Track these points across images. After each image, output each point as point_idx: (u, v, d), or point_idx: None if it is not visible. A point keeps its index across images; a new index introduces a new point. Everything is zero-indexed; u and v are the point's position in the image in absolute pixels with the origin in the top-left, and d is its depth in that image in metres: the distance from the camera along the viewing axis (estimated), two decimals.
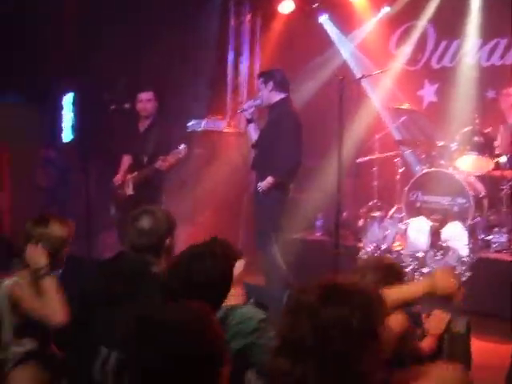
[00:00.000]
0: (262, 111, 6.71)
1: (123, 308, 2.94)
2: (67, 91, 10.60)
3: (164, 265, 3.38)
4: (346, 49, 8.93)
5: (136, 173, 6.79)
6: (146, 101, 6.85)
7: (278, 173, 5.98)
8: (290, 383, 1.86)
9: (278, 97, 6.16)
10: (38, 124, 10.51)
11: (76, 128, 10.62)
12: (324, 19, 9.11)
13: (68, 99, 10.68)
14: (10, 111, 10.05)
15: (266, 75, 6.32)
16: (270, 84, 6.14)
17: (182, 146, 6.39)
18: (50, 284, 3.38)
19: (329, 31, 9.06)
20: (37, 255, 3.46)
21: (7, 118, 9.93)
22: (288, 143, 6.03)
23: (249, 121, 6.42)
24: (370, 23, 8.74)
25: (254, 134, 6.39)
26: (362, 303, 1.90)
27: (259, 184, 6.03)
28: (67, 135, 10.80)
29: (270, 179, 5.95)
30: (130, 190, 6.80)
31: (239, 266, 3.16)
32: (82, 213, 9.46)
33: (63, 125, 10.80)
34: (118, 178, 6.96)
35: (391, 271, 3.08)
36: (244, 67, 9.75)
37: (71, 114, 10.68)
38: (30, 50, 9.37)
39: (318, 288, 1.94)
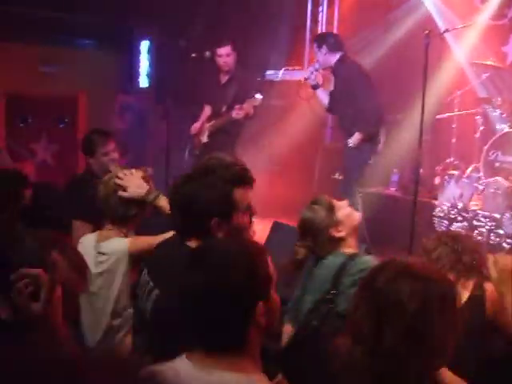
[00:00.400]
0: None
1: None
2: (144, 38, 10.69)
3: None
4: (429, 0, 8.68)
5: (213, 121, 6.90)
6: (225, 55, 6.89)
7: (363, 126, 6.19)
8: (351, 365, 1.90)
9: (334, 58, 6.42)
10: (114, 70, 10.70)
11: (151, 75, 10.75)
12: None
13: (144, 46, 10.79)
14: (88, 58, 10.25)
15: (318, 40, 6.57)
16: (324, 48, 6.41)
17: (258, 95, 6.45)
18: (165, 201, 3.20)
19: None
20: (137, 180, 3.39)
21: (85, 65, 10.14)
22: (364, 96, 6.27)
23: (314, 87, 6.62)
24: None
25: (324, 98, 6.61)
26: (424, 292, 1.87)
27: (349, 140, 6.23)
28: (144, 81, 10.94)
29: (357, 135, 6.18)
30: (204, 138, 6.92)
31: (355, 216, 3.30)
32: (158, 157, 9.72)
33: (140, 71, 10.93)
34: (195, 127, 7.07)
35: (466, 249, 2.99)
36: (323, 17, 9.63)
37: (147, 62, 10.80)
38: None
39: (388, 271, 1.94)
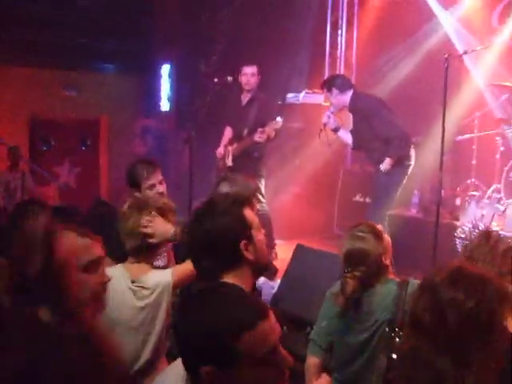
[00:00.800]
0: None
1: None
2: (165, 62, 10.84)
3: None
4: (447, 22, 8.77)
5: (236, 145, 6.98)
6: (250, 75, 6.97)
7: (392, 152, 6.23)
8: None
9: (347, 96, 6.45)
10: (136, 94, 10.86)
11: (172, 98, 10.88)
12: None
13: (165, 70, 10.94)
14: (110, 82, 10.42)
15: (326, 85, 6.59)
16: (334, 90, 6.46)
17: (279, 118, 6.54)
18: None
19: (430, 3, 8.90)
20: (162, 224, 3.30)
21: (107, 89, 10.31)
22: (387, 125, 6.29)
23: (335, 130, 6.56)
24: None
25: (347, 138, 6.60)
26: (481, 291, 1.94)
27: (380, 166, 6.24)
28: (165, 104, 11.07)
29: (388, 160, 6.21)
30: (229, 162, 7.00)
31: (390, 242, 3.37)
32: (178, 180, 9.80)
33: (161, 94, 11.07)
34: (220, 151, 7.15)
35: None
36: (342, 41, 9.74)
37: (168, 85, 10.94)
38: (129, 21, 9.64)
39: (446, 270, 2.03)
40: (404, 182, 6.41)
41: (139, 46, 10.03)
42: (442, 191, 7.16)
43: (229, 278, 2.38)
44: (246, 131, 6.97)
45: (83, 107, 10.20)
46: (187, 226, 2.61)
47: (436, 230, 5.47)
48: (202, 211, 2.53)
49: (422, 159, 7.27)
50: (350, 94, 6.47)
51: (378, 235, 3.27)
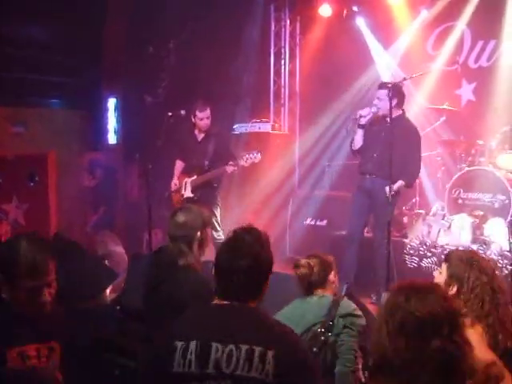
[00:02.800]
0: None
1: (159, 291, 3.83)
2: (111, 95, 10.89)
3: (197, 254, 3.97)
4: (380, 55, 9.28)
5: (196, 176, 7.17)
6: (205, 118, 7.23)
7: (410, 178, 6.58)
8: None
9: (397, 112, 6.45)
10: (83, 128, 10.86)
11: (119, 132, 10.93)
12: (360, 23, 9.40)
13: (111, 103, 10.99)
14: (56, 117, 10.42)
15: (394, 90, 6.28)
16: (395, 100, 6.36)
17: (257, 153, 6.80)
18: None
19: (365, 36, 9.36)
20: None
21: (54, 124, 10.30)
22: (417, 155, 6.65)
23: (361, 126, 6.66)
24: (409, 27, 8.98)
25: (360, 139, 6.74)
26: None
27: (388, 188, 6.10)
28: (112, 138, 11.11)
29: (400, 182, 6.41)
30: (188, 193, 7.17)
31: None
32: (128, 211, 9.86)
33: (108, 128, 11.10)
34: (175, 183, 7.32)
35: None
36: (285, 70, 10.05)
37: (114, 119, 10.99)
38: (74, 55, 9.69)
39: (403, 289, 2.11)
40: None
41: (85, 81, 10.07)
42: None
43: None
44: (206, 163, 7.18)
45: (30, 143, 10.16)
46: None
47: (388, 247, 5.72)
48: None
49: None
50: (400, 112, 6.58)
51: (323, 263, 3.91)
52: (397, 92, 6.40)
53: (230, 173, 7.01)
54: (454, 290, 3.10)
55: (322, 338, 3.58)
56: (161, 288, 3.89)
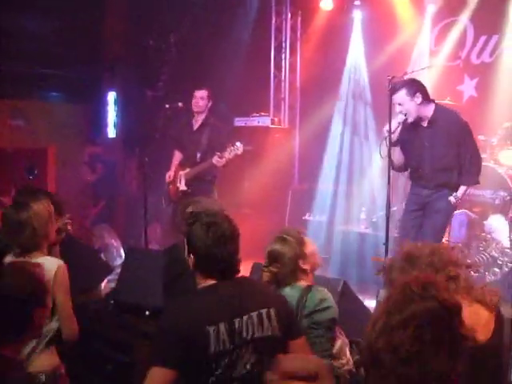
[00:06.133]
0: None
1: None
2: (110, 89, 10.86)
3: None
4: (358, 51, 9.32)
5: (188, 169, 7.10)
6: (199, 98, 7.17)
7: (472, 179, 5.68)
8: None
9: (430, 107, 5.59)
10: (83, 122, 10.84)
11: (119, 125, 10.90)
12: (357, 16, 9.42)
13: (111, 97, 10.95)
14: (56, 110, 10.39)
15: (409, 87, 5.54)
16: (418, 96, 5.50)
17: (239, 144, 6.70)
18: None
19: (353, 30, 9.42)
20: None
21: (54, 117, 10.28)
22: (475, 149, 5.67)
23: (395, 143, 5.61)
24: (412, 22, 8.92)
25: (400, 157, 5.78)
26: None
27: (452, 197, 5.59)
28: (111, 131, 11.08)
29: (463, 189, 5.63)
30: (182, 186, 7.11)
31: (318, 257, 3.72)
32: (128, 205, 9.83)
33: (108, 121, 11.07)
34: (169, 175, 7.26)
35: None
36: (286, 64, 10.00)
37: (114, 113, 10.96)
38: (75, 49, 9.66)
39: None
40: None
41: (85, 74, 10.04)
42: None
43: None
44: (198, 155, 7.11)
45: (30, 136, 10.14)
46: None
47: (386, 243, 5.66)
48: None
49: (369, 177, 7.53)
50: (433, 105, 5.61)
51: (300, 241, 3.56)
52: (415, 86, 5.55)
53: (220, 166, 6.86)
54: None
55: None
56: (177, 284, 3.88)
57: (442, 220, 5.72)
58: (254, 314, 2.78)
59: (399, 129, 5.55)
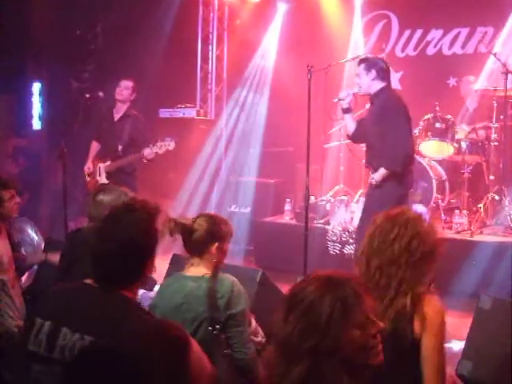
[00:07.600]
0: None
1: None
2: (36, 80, 10.62)
3: None
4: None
5: (109, 162, 6.97)
6: (123, 87, 7.10)
7: (390, 162, 5.58)
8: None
9: (378, 86, 5.77)
10: (7, 113, 10.55)
11: (44, 117, 10.67)
12: (281, 8, 9.46)
13: (36, 88, 10.72)
14: None
15: (368, 62, 5.85)
16: (373, 72, 5.73)
17: (170, 139, 6.62)
18: None
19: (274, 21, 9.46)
20: None
21: None
22: (395, 129, 5.63)
23: (346, 110, 5.91)
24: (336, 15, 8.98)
25: (351, 124, 5.99)
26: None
27: (372, 176, 5.72)
28: (36, 123, 10.84)
29: (382, 170, 5.59)
30: (103, 179, 6.97)
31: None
32: (52, 198, 9.61)
33: (33, 112, 10.83)
34: (88, 167, 7.13)
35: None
36: (213, 56, 9.93)
37: (39, 104, 10.72)
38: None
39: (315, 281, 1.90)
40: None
41: (9, 64, 9.78)
42: (313, 197, 7.48)
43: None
44: (120, 148, 6.98)
45: None
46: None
47: (306, 233, 5.66)
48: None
49: (292, 168, 7.54)
50: (382, 85, 5.76)
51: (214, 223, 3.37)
52: (373, 63, 5.81)
53: (149, 159, 6.78)
54: None
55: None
56: (74, 268, 3.77)
57: (373, 205, 5.62)
58: (87, 339, 2.26)
59: (350, 99, 5.88)
